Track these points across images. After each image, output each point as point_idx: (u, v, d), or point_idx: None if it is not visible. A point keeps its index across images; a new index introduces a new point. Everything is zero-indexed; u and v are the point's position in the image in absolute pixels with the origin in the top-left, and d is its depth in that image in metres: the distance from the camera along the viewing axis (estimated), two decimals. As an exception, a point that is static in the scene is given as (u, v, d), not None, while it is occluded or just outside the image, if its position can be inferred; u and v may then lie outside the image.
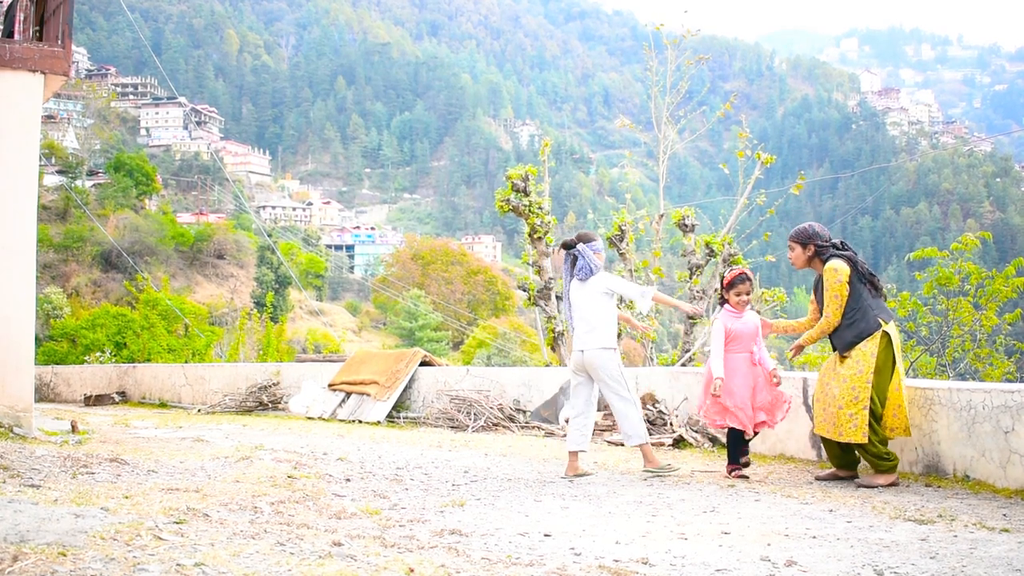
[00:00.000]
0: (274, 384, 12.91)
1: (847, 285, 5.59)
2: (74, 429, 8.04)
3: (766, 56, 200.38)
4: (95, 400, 15.40)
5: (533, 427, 9.49)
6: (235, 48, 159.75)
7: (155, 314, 23.09)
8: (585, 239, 6.34)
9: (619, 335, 7.65)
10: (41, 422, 8.56)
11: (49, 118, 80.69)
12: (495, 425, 9.66)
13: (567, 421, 9.19)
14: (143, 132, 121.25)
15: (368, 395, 11.25)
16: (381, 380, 11.25)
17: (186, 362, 20.03)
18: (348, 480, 5.60)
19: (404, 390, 11.20)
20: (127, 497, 4.43)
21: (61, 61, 7.50)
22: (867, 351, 5.48)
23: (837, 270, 5.61)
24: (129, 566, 3.05)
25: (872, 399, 5.43)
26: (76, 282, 51.57)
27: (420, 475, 5.96)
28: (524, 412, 9.95)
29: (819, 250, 5.77)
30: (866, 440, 5.38)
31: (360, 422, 10.78)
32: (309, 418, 11.47)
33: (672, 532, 4.12)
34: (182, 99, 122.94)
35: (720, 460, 6.77)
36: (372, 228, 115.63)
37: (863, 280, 5.64)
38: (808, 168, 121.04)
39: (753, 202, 11.71)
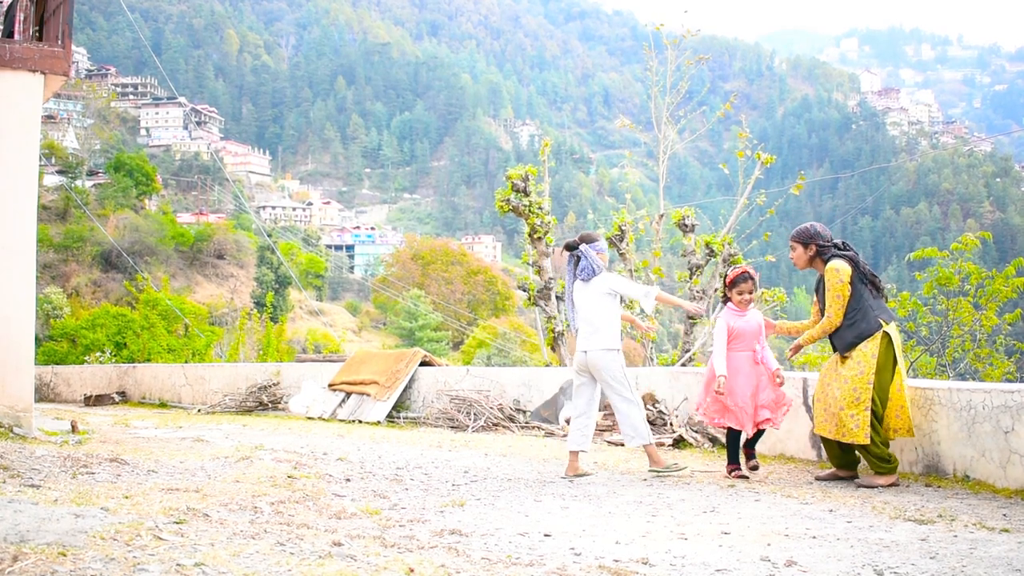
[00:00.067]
0: (274, 384, 12.91)
1: (849, 285, 5.59)
2: (74, 429, 8.04)
3: (766, 56, 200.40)
4: (95, 400, 15.40)
5: (533, 427, 9.49)
6: (235, 48, 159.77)
7: (155, 314, 23.09)
8: (588, 239, 6.33)
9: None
10: (41, 422, 8.56)
11: (49, 118, 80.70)
12: (495, 425, 9.66)
13: (567, 421, 9.19)
14: (143, 132, 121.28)
15: (368, 395, 11.25)
16: (381, 380, 11.25)
17: (186, 362, 20.03)
18: (348, 480, 5.60)
19: (404, 390, 11.20)
20: (127, 497, 4.43)
21: (61, 61, 7.50)
22: (868, 352, 5.48)
23: (839, 270, 5.60)
24: (129, 566, 3.05)
25: (873, 400, 5.43)
26: (76, 282, 51.57)
27: (420, 475, 5.96)
28: (524, 412, 9.95)
29: (821, 250, 5.77)
30: (868, 441, 5.38)
31: (360, 422, 10.78)
32: (309, 418, 11.47)
33: (672, 532, 4.12)
34: (182, 99, 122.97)
35: (720, 460, 6.77)
36: (372, 228, 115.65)
37: (864, 281, 5.64)
38: (808, 168, 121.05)
39: (753, 202, 11.71)
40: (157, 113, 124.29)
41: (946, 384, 5.83)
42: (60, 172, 64.36)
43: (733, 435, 6.03)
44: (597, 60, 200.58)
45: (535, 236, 11.96)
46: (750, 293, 6.02)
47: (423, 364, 11.56)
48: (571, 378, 9.58)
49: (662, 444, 7.68)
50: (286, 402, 12.59)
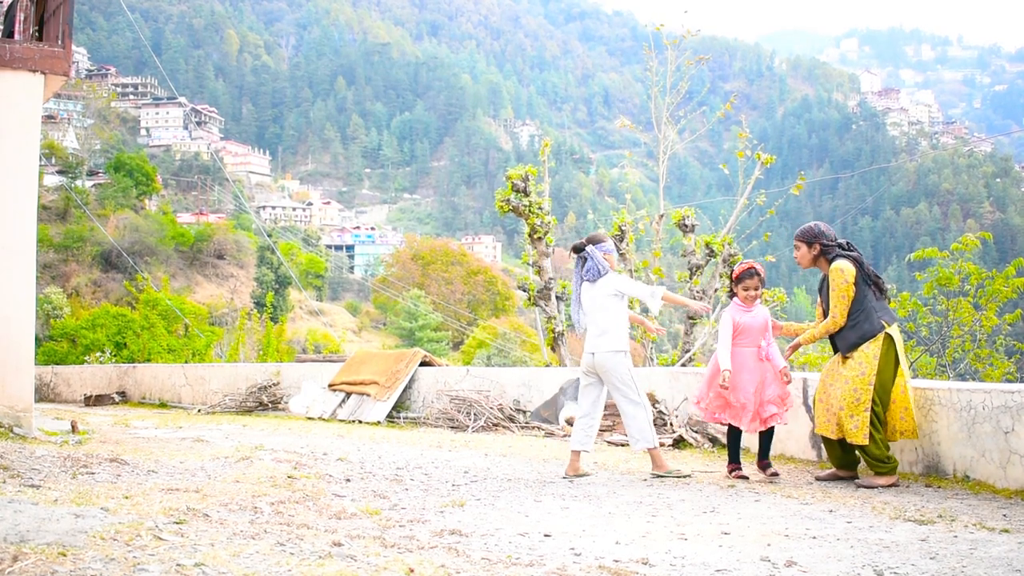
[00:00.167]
0: (274, 384, 12.91)
1: (853, 286, 5.59)
2: (74, 429, 8.04)
3: (766, 56, 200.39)
4: (95, 400, 15.40)
5: (533, 427, 9.49)
6: (235, 48, 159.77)
7: (155, 314, 23.10)
8: (595, 241, 6.31)
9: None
10: (41, 422, 8.56)
11: (49, 118, 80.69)
12: (495, 425, 9.66)
13: (567, 421, 9.19)
14: (143, 132, 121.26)
15: (368, 395, 11.25)
16: (381, 380, 11.25)
17: (186, 362, 20.03)
18: (348, 480, 5.60)
19: (404, 390, 11.20)
20: (127, 497, 4.43)
21: (61, 61, 7.50)
22: (869, 353, 5.48)
23: (844, 271, 5.60)
24: (129, 566, 3.05)
25: (874, 401, 5.43)
26: (76, 282, 51.58)
27: (420, 475, 5.96)
28: (524, 412, 9.95)
29: (825, 249, 5.77)
30: (867, 442, 5.38)
31: (360, 422, 10.78)
32: (309, 418, 11.47)
33: (672, 532, 4.12)
34: (182, 99, 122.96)
35: (720, 460, 6.77)
36: (372, 228, 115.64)
37: (868, 282, 5.64)
38: (808, 168, 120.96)
39: (753, 202, 11.72)
40: (157, 113, 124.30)
41: (946, 384, 5.82)
42: (60, 172, 64.40)
43: (734, 434, 6.02)
44: (597, 60, 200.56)
45: (535, 236, 11.96)
46: (756, 289, 6.00)
47: (423, 364, 11.56)
48: (571, 378, 9.60)
49: (662, 444, 7.67)
50: (286, 402, 12.59)
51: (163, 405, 14.87)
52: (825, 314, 5.79)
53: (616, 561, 3.52)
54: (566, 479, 5.90)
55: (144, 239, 57.50)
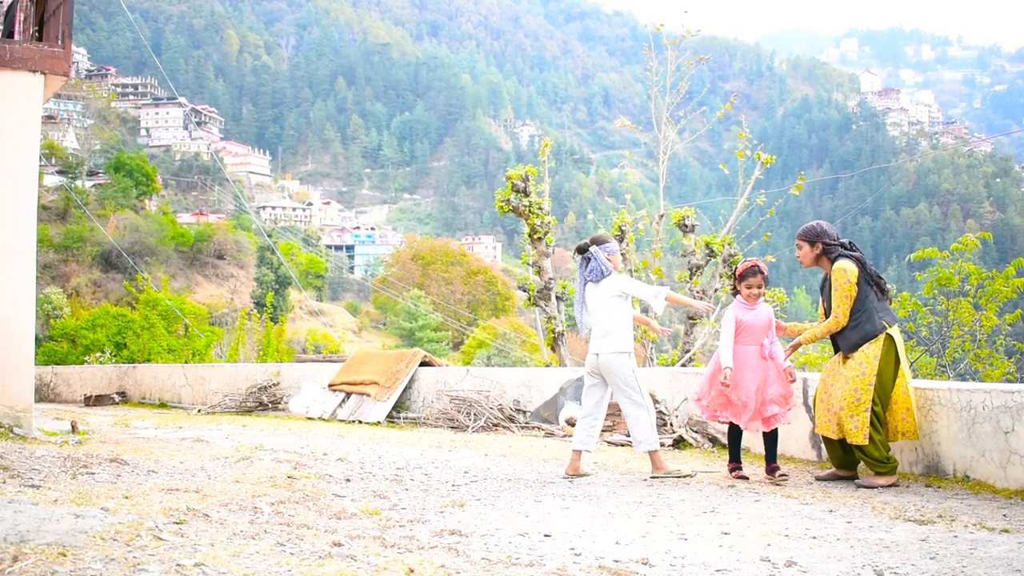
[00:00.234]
0: (274, 384, 12.91)
1: (856, 286, 5.59)
2: (74, 429, 8.04)
3: (766, 56, 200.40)
4: (95, 400, 15.40)
5: (533, 427, 9.49)
6: (235, 48, 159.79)
7: (155, 314, 23.09)
8: (598, 241, 6.29)
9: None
10: (41, 422, 8.56)
11: (49, 118, 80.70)
12: (495, 425, 9.66)
13: (568, 422, 9.19)
14: (143, 132, 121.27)
15: (368, 395, 11.25)
16: (381, 380, 11.25)
17: (186, 362, 20.03)
18: (348, 480, 5.60)
19: (404, 390, 11.20)
20: (127, 497, 4.43)
21: (61, 61, 7.50)
22: (870, 353, 5.48)
23: (846, 270, 5.60)
24: (129, 566, 3.05)
25: (874, 401, 5.43)
26: (76, 282, 51.59)
27: (420, 475, 5.96)
28: (524, 412, 9.95)
29: (827, 249, 5.77)
30: (867, 442, 5.38)
31: (360, 422, 10.78)
32: (309, 418, 11.47)
33: (672, 532, 4.12)
34: (182, 99, 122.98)
35: (720, 460, 6.77)
36: (372, 228, 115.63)
37: (870, 282, 5.64)
38: (808, 168, 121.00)
39: (753, 202, 11.72)
40: (157, 113, 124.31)
41: (946, 384, 5.82)
42: (60, 172, 64.41)
43: (734, 434, 6.01)
44: (597, 60, 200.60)
45: (535, 236, 11.96)
46: (759, 287, 5.98)
47: (423, 364, 11.56)
48: (571, 378, 9.60)
49: (662, 445, 7.67)
50: (286, 402, 12.59)
51: (163, 405, 14.87)
52: (827, 314, 5.79)
53: (616, 561, 3.52)
54: (566, 479, 5.90)
55: (144, 239, 57.52)
